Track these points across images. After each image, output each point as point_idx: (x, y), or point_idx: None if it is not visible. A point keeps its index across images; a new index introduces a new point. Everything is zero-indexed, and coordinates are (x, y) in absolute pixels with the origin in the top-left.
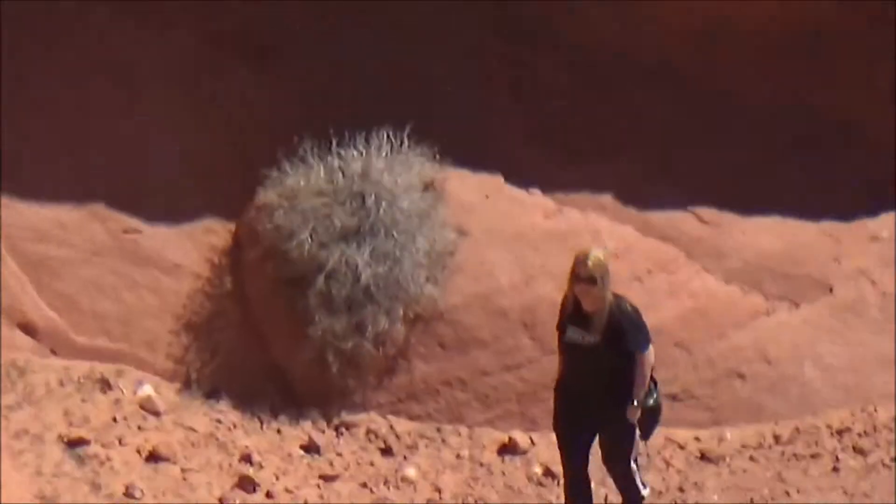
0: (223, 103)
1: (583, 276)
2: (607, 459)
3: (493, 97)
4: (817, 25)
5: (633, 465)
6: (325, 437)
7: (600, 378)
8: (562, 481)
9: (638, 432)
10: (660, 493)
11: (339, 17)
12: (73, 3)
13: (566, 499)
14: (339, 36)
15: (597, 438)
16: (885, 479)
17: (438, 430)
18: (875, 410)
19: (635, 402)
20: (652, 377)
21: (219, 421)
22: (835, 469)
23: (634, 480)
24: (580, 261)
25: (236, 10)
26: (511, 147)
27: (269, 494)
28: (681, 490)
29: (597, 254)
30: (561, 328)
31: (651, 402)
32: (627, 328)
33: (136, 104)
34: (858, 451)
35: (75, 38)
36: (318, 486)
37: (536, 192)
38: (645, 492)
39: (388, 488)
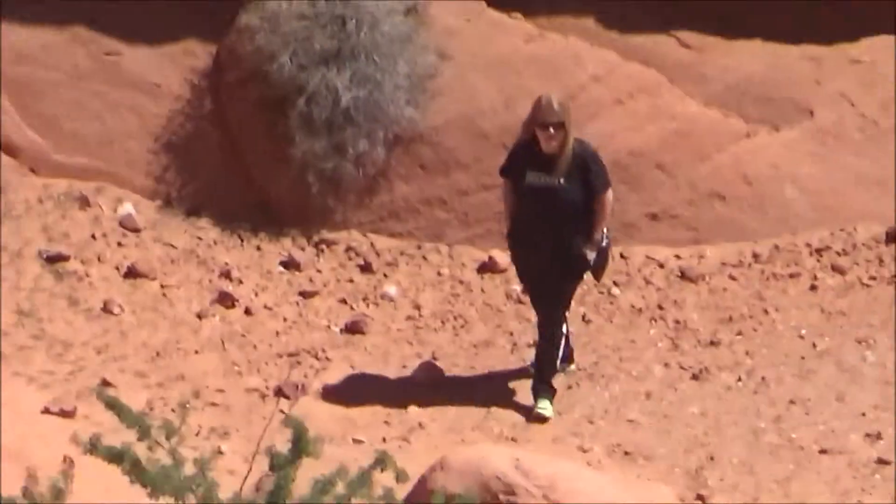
0: None
1: (550, 119)
2: (542, 305)
3: None
4: None
5: (564, 322)
6: (304, 254)
7: (558, 220)
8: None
9: (588, 275)
10: (639, 310)
11: None
12: None
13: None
14: None
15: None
16: (862, 298)
17: (419, 247)
18: (854, 230)
19: (596, 240)
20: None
21: (199, 238)
22: (813, 287)
23: (562, 325)
24: (545, 105)
25: None
26: None
27: (247, 310)
28: (660, 307)
29: (559, 97)
30: (515, 174)
31: (604, 243)
32: (593, 167)
33: None
34: (837, 269)
35: None
36: (297, 303)
37: (518, 16)
38: (562, 340)
39: (368, 305)
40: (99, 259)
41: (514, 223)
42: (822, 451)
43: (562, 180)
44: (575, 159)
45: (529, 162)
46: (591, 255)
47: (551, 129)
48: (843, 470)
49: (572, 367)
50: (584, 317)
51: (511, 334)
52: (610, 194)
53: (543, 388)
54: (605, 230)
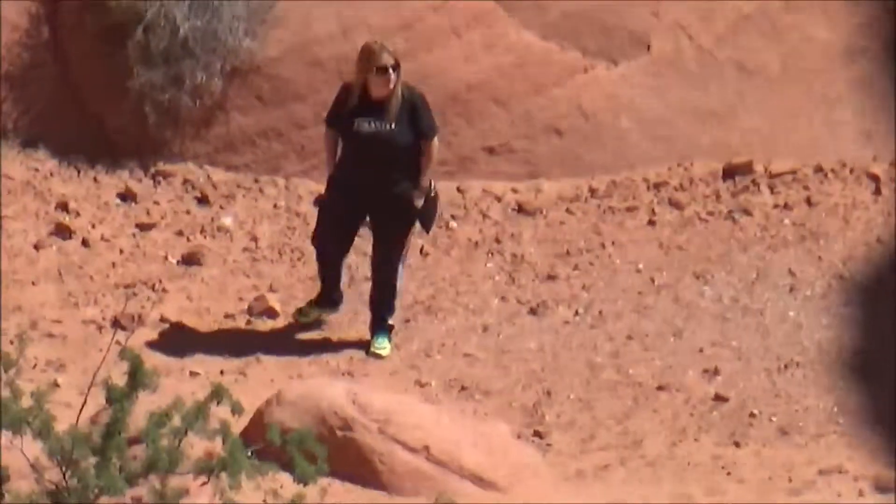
0: None
1: (382, 63)
2: (378, 249)
3: None
4: None
5: (400, 264)
6: (141, 185)
7: (388, 166)
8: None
9: (418, 225)
10: (476, 243)
11: None
12: None
13: (321, 275)
14: None
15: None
16: (700, 232)
17: (255, 180)
18: (691, 165)
19: (423, 186)
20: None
21: (35, 169)
22: (650, 222)
23: (397, 269)
24: (376, 50)
25: None
26: None
27: (84, 242)
28: (497, 241)
29: (387, 43)
30: (343, 121)
31: (433, 192)
32: (422, 112)
33: None
34: (675, 204)
35: None
36: (134, 235)
37: None
38: (399, 289)
39: (205, 237)
40: None
41: (340, 170)
42: (660, 388)
43: (393, 125)
44: (404, 104)
45: (358, 108)
46: (419, 202)
47: (390, 72)
48: (681, 406)
49: (383, 342)
50: (421, 250)
51: (349, 268)
52: (436, 141)
53: (381, 326)
54: (431, 181)
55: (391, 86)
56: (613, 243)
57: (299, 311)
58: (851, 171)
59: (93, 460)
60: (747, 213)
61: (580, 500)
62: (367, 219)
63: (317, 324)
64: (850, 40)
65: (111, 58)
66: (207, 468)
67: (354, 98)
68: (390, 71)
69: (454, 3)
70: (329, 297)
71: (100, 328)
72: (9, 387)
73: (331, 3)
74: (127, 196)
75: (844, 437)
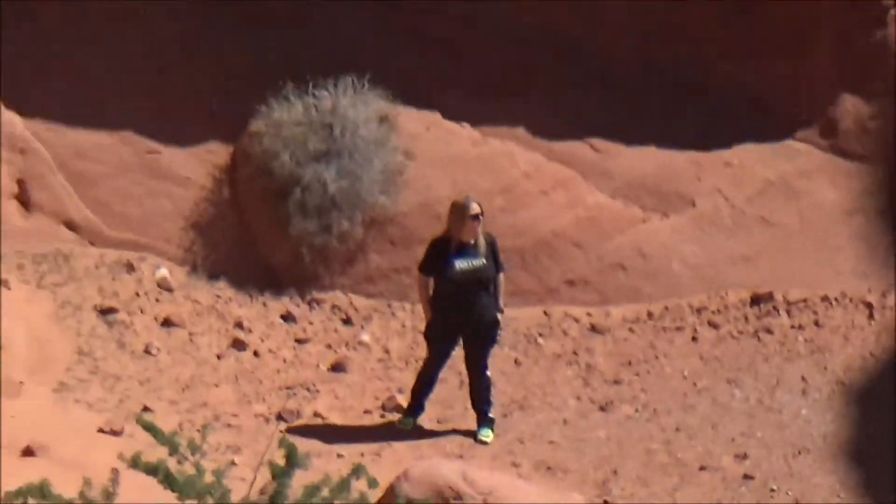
0: (224, 55)
1: (473, 212)
2: (474, 360)
3: (433, 54)
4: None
5: (488, 365)
6: (299, 309)
7: (480, 294)
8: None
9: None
10: (558, 355)
11: None
12: None
13: (418, 391)
14: (312, 4)
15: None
16: (732, 347)
17: (388, 305)
18: (726, 294)
19: (501, 307)
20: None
21: (218, 296)
22: (694, 339)
23: (487, 373)
24: (467, 204)
25: None
26: (447, 91)
27: (255, 353)
28: (574, 353)
29: (473, 199)
30: (436, 266)
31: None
32: (498, 251)
33: (157, 57)
34: (712, 325)
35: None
36: (294, 348)
37: (466, 125)
38: (492, 385)
39: (348, 350)
40: (141, 311)
41: (437, 307)
42: (702, 468)
43: (484, 261)
44: (487, 245)
45: (456, 252)
46: (502, 319)
47: (480, 219)
48: (718, 483)
49: (487, 433)
50: (515, 360)
51: (459, 373)
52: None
53: (485, 420)
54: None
55: (476, 230)
56: (665, 355)
57: (399, 422)
58: (851, 300)
59: None
60: (769, 331)
61: None
62: (460, 338)
63: (435, 418)
64: (850, 202)
65: (276, 211)
66: None
67: (446, 245)
68: (479, 217)
69: (542, 171)
70: (420, 404)
71: (266, 420)
72: (195, 466)
73: (446, 169)
74: (288, 317)
75: None
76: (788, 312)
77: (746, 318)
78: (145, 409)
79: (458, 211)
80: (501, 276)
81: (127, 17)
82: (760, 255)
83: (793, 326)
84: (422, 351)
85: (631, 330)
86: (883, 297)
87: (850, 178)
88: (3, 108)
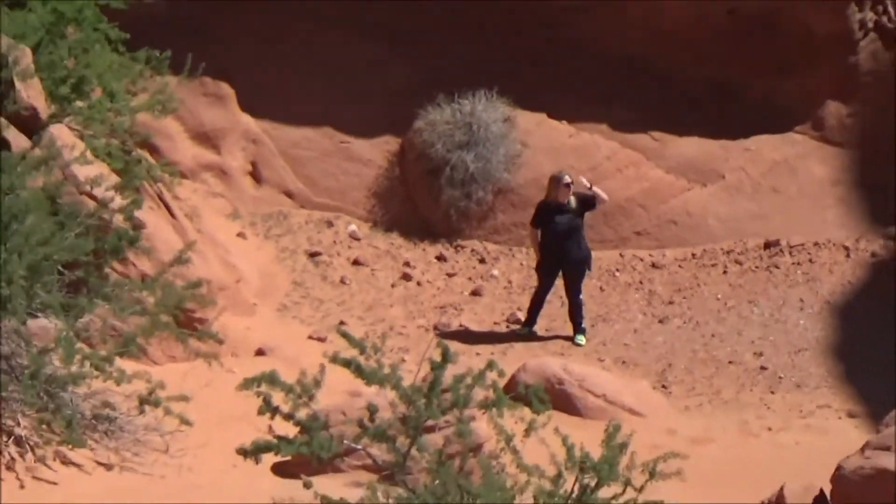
0: (395, 72)
1: (566, 182)
2: (572, 288)
3: (543, 71)
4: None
5: (582, 290)
6: (448, 252)
7: (573, 239)
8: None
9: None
10: (629, 284)
11: (449, 17)
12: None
13: (532, 309)
14: (452, 30)
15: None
16: (751, 278)
17: (510, 249)
18: (747, 241)
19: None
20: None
21: (392, 243)
22: (724, 272)
23: (581, 296)
24: (561, 175)
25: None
26: (552, 98)
27: (418, 283)
28: (640, 283)
29: (566, 172)
30: (542, 220)
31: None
32: (584, 205)
33: (349, 72)
34: (737, 262)
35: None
36: (445, 279)
37: (565, 123)
38: (583, 305)
39: (483, 280)
40: (338, 254)
41: (542, 250)
42: (730, 363)
43: (573, 216)
44: (573, 203)
45: (553, 211)
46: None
47: (570, 186)
48: (742, 373)
49: (581, 338)
50: (600, 288)
51: (560, 297)
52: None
53: (579, 329)
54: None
55: (568, 193)
56: (704, 284)
57: (519, 331)
58: (834, 244)
59: (423, 401)
60: (777, 267)
61: (684, 423)
62: (561, 271)
63: (531, 335)
64: (834, 174)
65: (432, 184)
66: (485, 405)
67: (548, 206)
68: (570, 185)
69: (618, 155)
70: (534, 318)
71: (426, 330)
72: (377, 362)
73: (551, 154)
74: (441, 258)
75: (832, 390)
76: (790, 253)
77: (761, 258)
78: (341, 322)
79: (555, 180)
80: (587, 216)
81: (328, 41)
82: (771, 214)
83: (793, 263)
84: (534, 281)
85: (680, 266)
86: (856, 243)
87: (834, 159)
88: (239, 110)
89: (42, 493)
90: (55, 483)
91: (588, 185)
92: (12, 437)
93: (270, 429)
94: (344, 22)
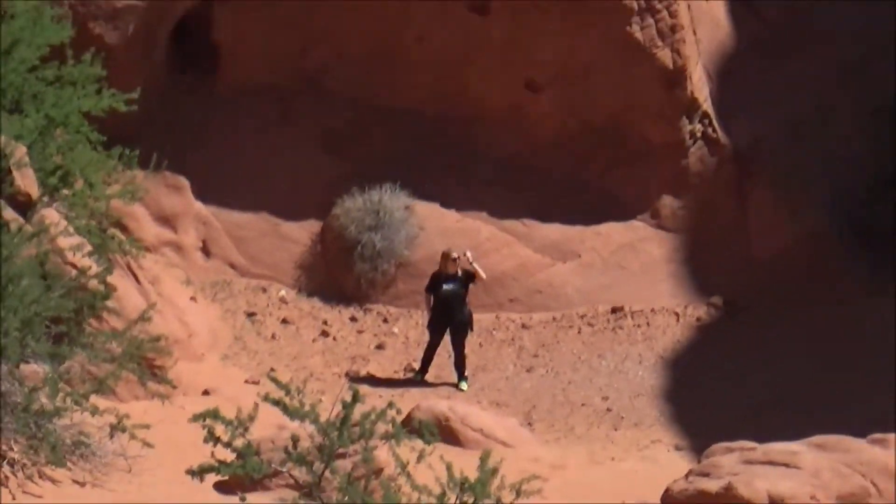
0: (319, 166)
1: (453, 257)
2: (456, 343)
3: (438, 167)
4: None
5: (466, 344)
6: (359, 314)
7: (458, 302)
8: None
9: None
10: (503, 340)
11: (363, 123)
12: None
13: (424, 360)
14: (365, 134)
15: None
16: (600, 336)
17: (409, 311)
18: (597, 307)
19: (469, 311)
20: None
21: (313, 306)
22: (579, 332)
23: (465, 350)
24: (450, 252)
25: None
26: (443, 190)
27: (333, 338)
28: (513, 340)
29: (454, 250)
30: (434, 288)
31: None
32: (467, 278)
33: (283, 175)
34: (589, 324)
35: None
36: (356, 335)
37: (453, 211)
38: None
39: (386, 337)
40: (270, 315)
41: (433, 312)
42: (583, 405)
43: (458, 285)
44: (461, 275)
45: (442, 280)
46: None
47: (457, 261)
48: (591, 413)
49: (464, 384)
50: (479, 343)
51: (448, 351)
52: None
53: (462, 376)
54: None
55: (454, 267)
56: (562, 341)
57: (414, 378)
58: (666, 310)
59: (336, 433)
60: (621, 328)
61: (545, 453)
62: (448, 329)
63: (423, 382)
64: (668, 255)
65: (347, 259)
66: (386, 437)
67: (438, 277)
68: (456, 260)
69: (495, 237)
70: (425, 368)
71: (340, 376)
72: (299, 401)
73: (441, 237)
74: (353, 318)
75: (663, 427)
76: (632, 317)
77: (608, 321)
78: (272, 369)
79: (445, 256)
80: (468, 291)
81: (266, 140)
82: (617, 285)
83: (634, 325)
84: (426, 338)
85: (544, 327)
86: (685, 309)
87: (667, 242)
88: (193, 198)
89: None
90: (40, 496)
91: (470, 261)
92: (6, 460)
93: (213, 455)
94: (281, 124)
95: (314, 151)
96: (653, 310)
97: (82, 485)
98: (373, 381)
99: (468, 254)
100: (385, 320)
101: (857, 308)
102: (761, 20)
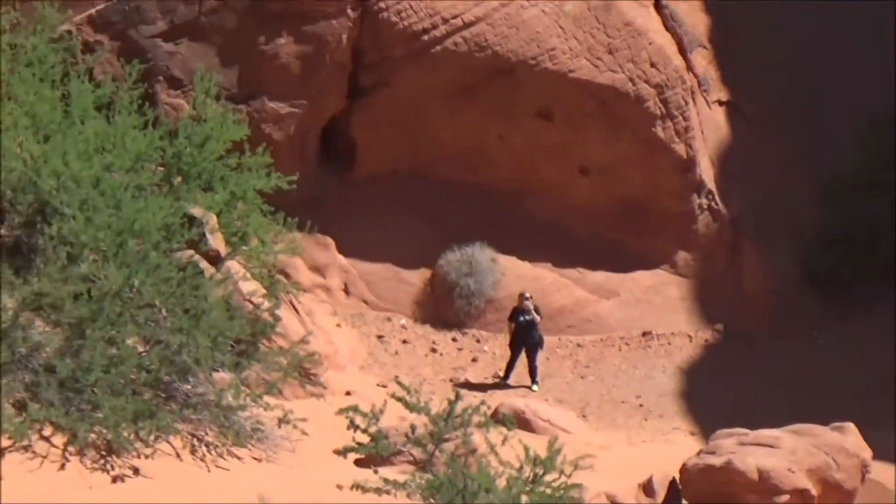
0: (423, 233)
1: (525, 297)
2: (530, 357)
3: (512, 232)
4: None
5: (537, 358)
6: (459, 336)
7: (531, 329)
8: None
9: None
10: (563, 356)
11: (456, 201)
12: None
13: (507, 370)
14: (460, 209)
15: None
16: (634, 353)
17: (495, 335)
18: (631, 332)
19: (540, 335)
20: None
21: (426, 331)
22: (619, 349)
23: (536, 362)
24: (522, 293)
25: None
26: (519, 247)
27: (440, 354)
28: (571, 354)
29: (526, 292)
30: (513, 318)
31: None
32: (536, 311)
33: (399, 239)
34: (626, 344)
35: None
36: (456, 352)
37: (526, 262)
38: (537, 368)
39: (479, 353)
40: (394, 337)
41: (513, 335)
42: (622, 402)
43: (529, 317)
44: (533, 309)
45: (519, 313)
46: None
47: (526, 301)
48: (629, 409)
49: (536, 386)
50: (546, 358)
51: (524, 363)
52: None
53: (534, 380)
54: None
55: (526, 305)
56: (608, 357)
57: (499, 382)
58: (683, 334)
59: (443, 423)
60: (650, 346)
61: (595, 437)
62: (523, 348)
63: (506, 385)
64: (683, 294)
65: (449, 297)
66: (479, 425)
67: (517, 310)
68: (528, 301)
69: (557, 282)
70: (508, 375)
71: (445, 381)
72: (417, 398)
73: (518, 282)
74: (454, 339)
75: (681, 419)
76: (657, 339)
77: (640, 342)
78: (396, 377)
79: (520, 296)
80: (538, 317)
81: (385, 216)
82: (646, 317)
83: (659, 345)
84: (507, 353)
85: (593, 346)
86: (696, 333)
87: (683, 285)
88: (337, 253)
89: (220, 475)
90: (228, 469)
91: (531, 308)
92: (203, 442)
93: (353, 439)
94: (399, 201)
95: (424, 219)
96: (672, 333)
97: (259, 461)
98: (469, 385)
99: (529, 306)
100: (478, 341)
101: (812, 337)
102: (745, 119)
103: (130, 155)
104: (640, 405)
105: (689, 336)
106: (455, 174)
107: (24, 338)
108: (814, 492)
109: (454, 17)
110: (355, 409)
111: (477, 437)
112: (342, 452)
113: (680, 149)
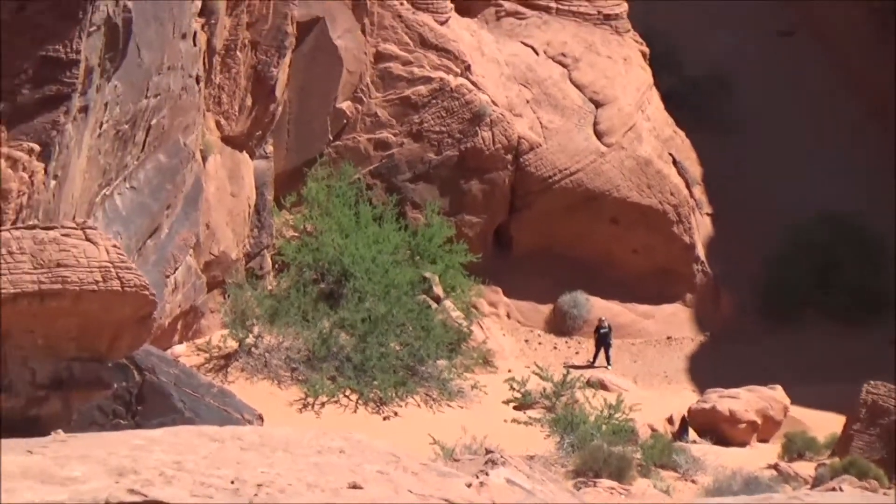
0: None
1: (602, 319)
2: (607, 352)
3: (598, 284)
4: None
5: (610, 351)
6: (570, 342)
7: (606, 337)
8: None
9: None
10: (622, 350)
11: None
12: None
13: (593, 359)
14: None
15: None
16: (662, 347)
17: (588, 341)
18: (662, 338)
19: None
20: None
21: (553, 339)
22: (654, 345)
23: (610, 351)
24: (601, 318)
25: None
26: (600, 291)
27: (560, 351)
28: (627, 351)
29: (603, 317)
30: (596, 331)
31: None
32: (609, 327)
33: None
34: (660, 343)
35: None
36: (566, 350)
37: (603, 300)
38: (611, 357)
39: (578, 351)
40: (539, 344)
41: (596, 340)
42: (655, 375)
43: (604, 329)
44: (608, 326)
45: (600, 328)
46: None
47: (602, 321)
48: (661, 378)
49: (610, 366)
50: (615, 351)
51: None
52: (612, 331)
53: (608, 363)
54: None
55: (605, 322)
56: (649, 351)
57: (589, 364)
58: (688, 338)
59: (560, 385)
60: (670, 345)
61: (642, 394)
62: (602, 346)
63: (594, 366)
64: (689, 316)
65: (564, 324)
66: (581, 387)
67: (599, 325)
68: (604, 321)
69: (612, 309)
70: (593, 362)
71: (563, 365)
72: (547, 373)
73: (600, 311)
74: (567, 343)
75: (689, 383)
76: (675, 341)
77: (666, 342)
78: (535, 363)
79: (599, 319)
80: (610, 330)
81: (539, 274)
82: (668, 330)
83: (676, 343)
84: (593, 350)
85: (640, 345)
86: (696, 337)
87: (688, 313)
88: (502, 294)
89: (441, 416)
90: (444, 413)
91: (605, 329)
92: (432, 398)
93: (512, 395)
94: (544, 274)
95: (549, 277)
96: (683, 338)
97: (462, 408)
98: (574, 367)
99: (605, 324)
100: (579, 342)
101: (762, 340)
102: (721, 223)
103: (391, 245)
104: (666, 375)
105: (692, 339)
106: (567, 252)
107: (335, 342)
108: (759, 422)
109: (565, 168)
110: (513, 379)
111: (578, 394)
112: (506, 403)
113: (686, 239)
